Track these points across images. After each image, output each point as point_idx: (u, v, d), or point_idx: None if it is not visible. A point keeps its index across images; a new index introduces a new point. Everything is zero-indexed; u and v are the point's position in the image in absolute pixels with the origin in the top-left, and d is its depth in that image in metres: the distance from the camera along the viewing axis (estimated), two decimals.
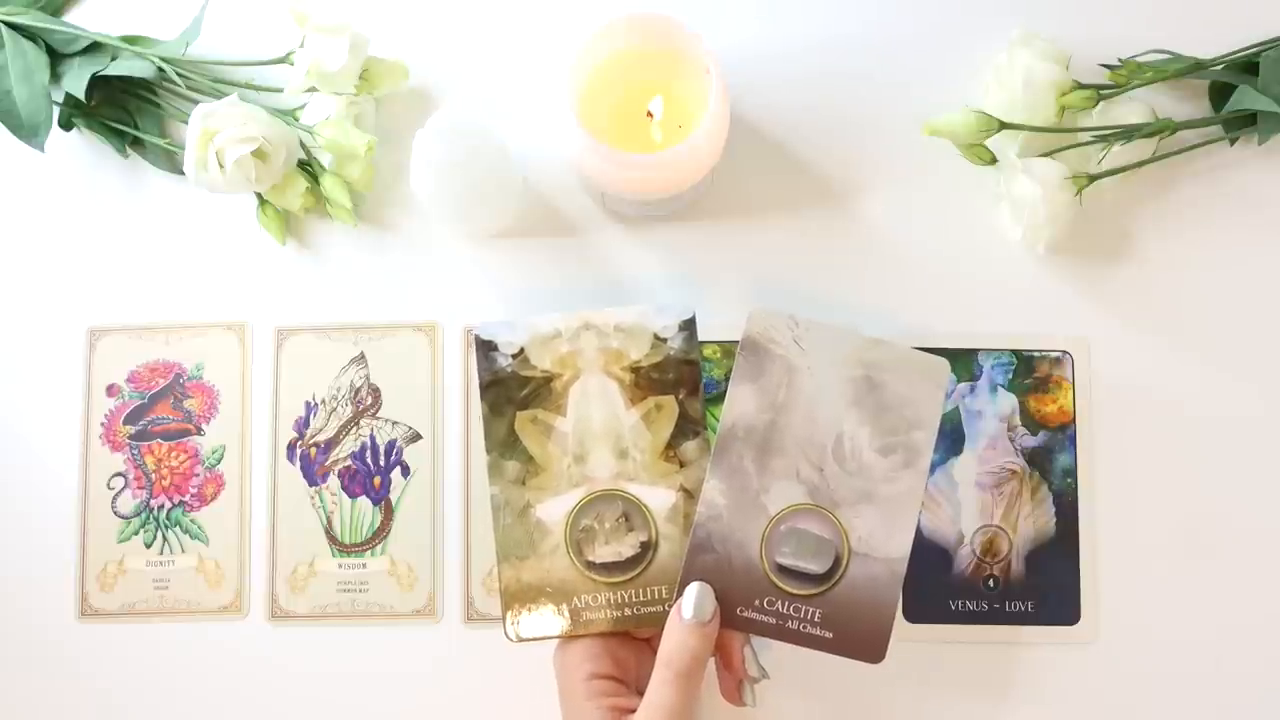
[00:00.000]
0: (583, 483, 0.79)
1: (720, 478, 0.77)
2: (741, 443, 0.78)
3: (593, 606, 0.78)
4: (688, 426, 0.80)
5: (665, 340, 0.80)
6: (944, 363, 0.78)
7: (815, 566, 0.76)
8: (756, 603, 0.77)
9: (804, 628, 0.76)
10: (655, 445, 0.79)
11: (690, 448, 0.79)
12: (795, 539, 0.77)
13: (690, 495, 0.79)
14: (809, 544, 0.77)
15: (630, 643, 0.80)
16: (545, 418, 0.80)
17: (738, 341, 0.79)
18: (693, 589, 0.75)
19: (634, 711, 0.73)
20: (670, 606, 0.76)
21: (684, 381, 0.80)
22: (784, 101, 0.91)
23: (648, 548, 0.78)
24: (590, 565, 0.78)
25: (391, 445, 0.90)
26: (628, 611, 0.78)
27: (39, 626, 0.89)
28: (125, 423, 0.91)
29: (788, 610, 0.76)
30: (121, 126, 0.91)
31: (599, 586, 0.78)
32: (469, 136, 0.82)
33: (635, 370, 0.80)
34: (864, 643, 0.76)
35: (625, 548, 0.78)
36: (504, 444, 0.80)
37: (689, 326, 0.80)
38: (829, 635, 0.76)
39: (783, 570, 0.77)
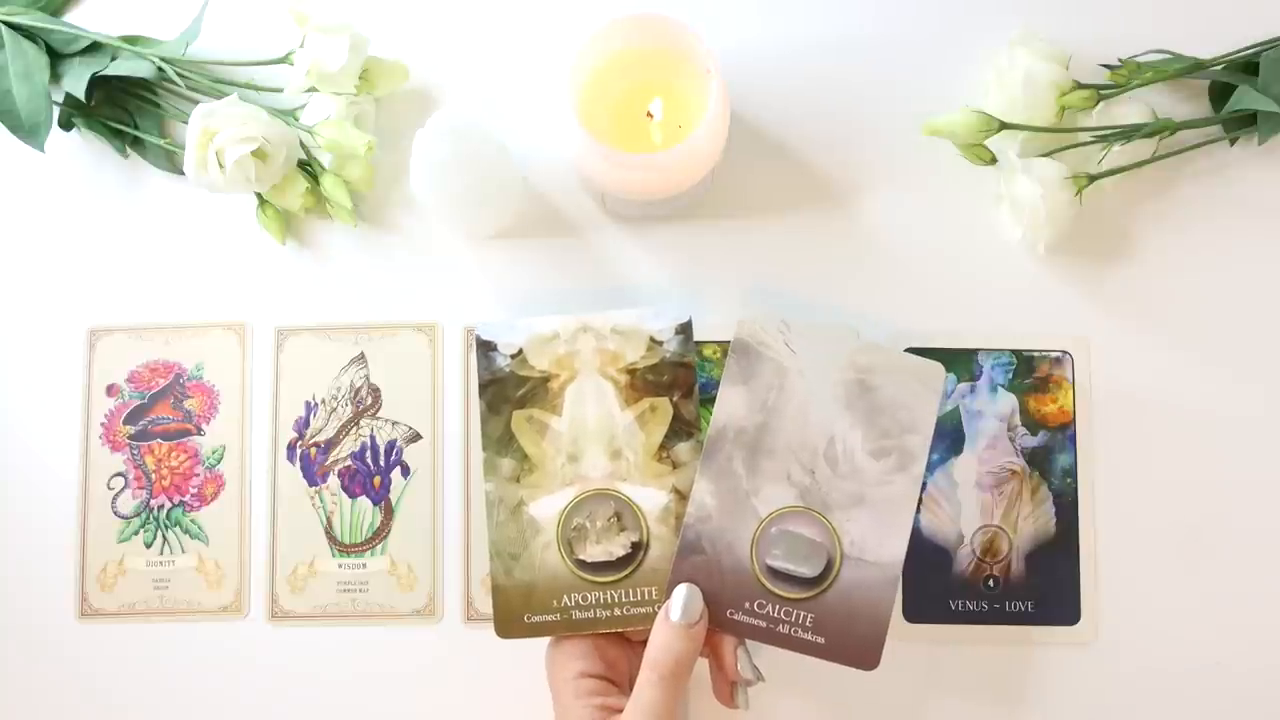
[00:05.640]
0: (576, 481, 0.79)
1: (710, 479, 0.77)
2: (731, 444, 0.78)
3: (582, 606, 0.78)
4: (681, 428, 0.80)
5: (661, 343, 0.80)
6: (939, 367, 0.78)
7: (806, 570, 0.76)
8: (746, 605, 0.76)
9: (795, 632, 0.76)
10: (649, 446, 0.79)
11: (683, 449, 0.79)
12: (786, 541, 0.77)
13: (682, 496, 0.79)
14: (800, 547, 0.77)
15: (621, 642, 0.80)
16: (541, 417, 0.80)
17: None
18: (680, 591, 0.75)
19: (622, 711, 0.73)
20: (659, 608, 0.76)
21: (679, 384, 0.80)
22: (784, 101, 0.91)
23: (639, 548, 0.78)
24: (581, 564, 0.79)
25: (391, 445, 0.90)
26: (617, 612, 0.78)
27: (39, 626, 0.90)
28: (125, 423, 0.91)
29: (778, 614, 0.76)
30: (121, 126, 0.91)
31: (589, 586, 0.78)
32: (469, 136, 0.82)
33: (631, 372, 0.80)
34: (857, 649, 0.76)
35: (616, 547, 0.78)
36: (500, 442, 0.80)
37: (685, 330, 0.80)
38: (821, 640, 0.76)
39: (773, 573, 0.76)
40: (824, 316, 0.89)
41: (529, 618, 0.79)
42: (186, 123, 0.85)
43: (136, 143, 0.92)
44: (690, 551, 0.77)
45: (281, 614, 0.89)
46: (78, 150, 0.93)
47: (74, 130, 0.92)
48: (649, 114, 0.84)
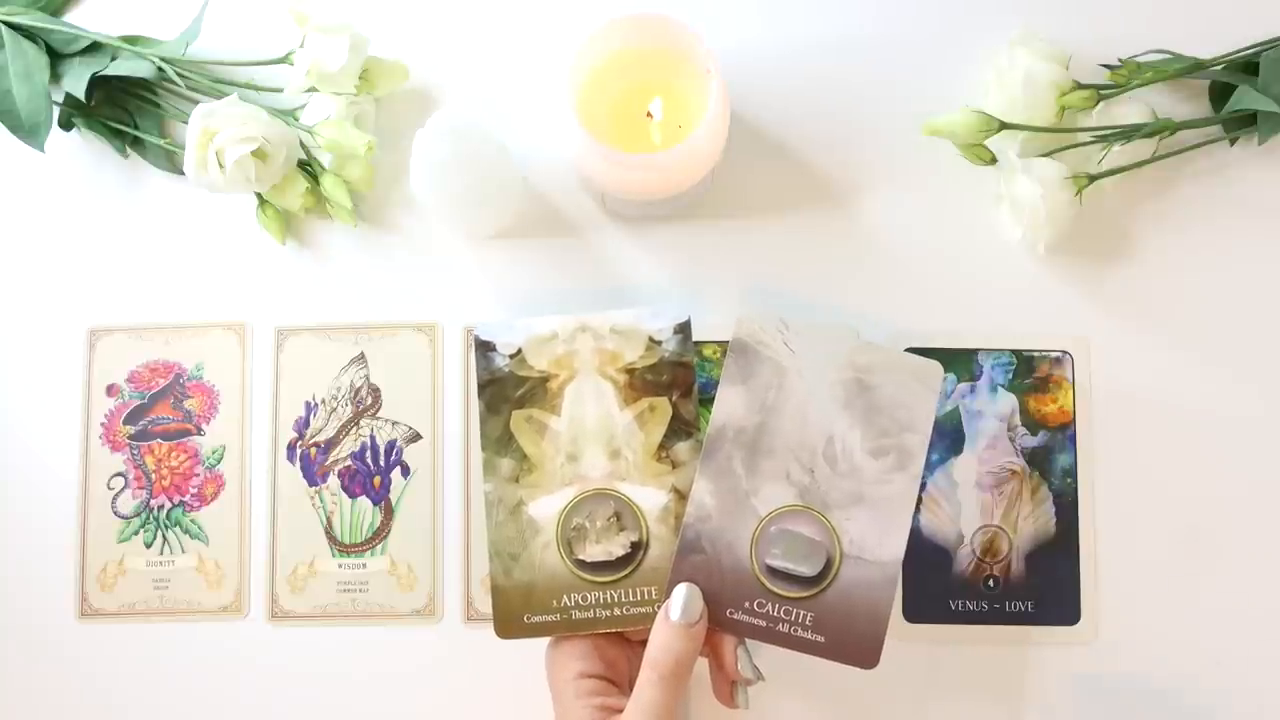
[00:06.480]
0: (575, 481, 0.79)
1: (709, 478, 0.77)
2: (731, 444, 0.78)
3: (582, 606, 0.78)
4: (680, 428, 0.80)
5: (660, 343, 0.80)
6: (937, 366, 0.78)
7: (806, 569, 0.76)
8: (746, 605, 0.76)
9: (795, 631, 0.76)
10: (648, 446, 0.79)
11: (683, 449, 0.79)
12: (786, 541, 0.77)
13: (682, 496, 0.79)
14: (799, 546, 0.77)
15: (620, 642, 0.80)
16: (540, 417, 0.80)
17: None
18: (680, 590, 0.75)
19: (622, 711, 0.73)
20: (659, 607, 0.76)
21: (678, 383, 0.80)
22: (784, 101, 0.91)
23: (638, 548, 0.78)
24: (581, 564, 0.78)
25: (391, 445, 0.90)
26: (617, 612, 0.78)
27: (39, 626, 0.90)
28: (125, 423, 0.91)
29: (778, 613, 0.76)
30: (121, 126, 0.91)
31: (589, 586, 0.78)
32: (469, 136, 0.82)
33: (630, 372, 0.80)
34: (857, 647, 0.76)
35: (616, 547, 0.78)
36: (499, 442, 0.80)
37: (684, 329, 0.80)
38: (821, 639, 0.76)
39: (773, 572, 0.76)
40: (824, 316, 0.89)
41: (529, 618, 0.79)
42: (186, 123, 0.85)
43: (136, 143, 0.92)
44: (690, 551, 0.77)
45: (281, 614, 0.89)
46: (78, 150, 0.93)
47: (74, 130, 0.92)
48: (649, 114, 0.84)
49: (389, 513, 0.89)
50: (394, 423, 0.90)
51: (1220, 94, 0.89)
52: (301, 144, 0.89)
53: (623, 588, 0.78)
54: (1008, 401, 0.89)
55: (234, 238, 0.92)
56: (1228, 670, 0.87)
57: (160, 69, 0.89)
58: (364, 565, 0.89)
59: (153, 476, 0.90)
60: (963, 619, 0.88)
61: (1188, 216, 0.90)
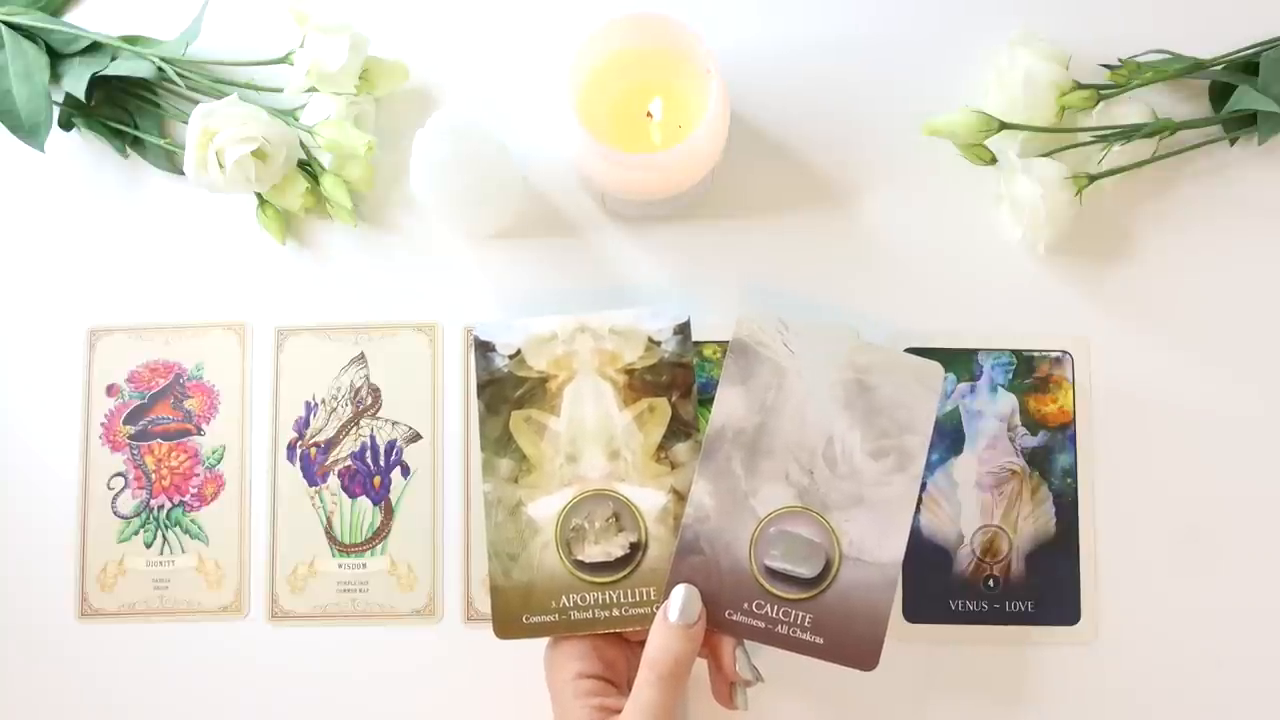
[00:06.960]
0: (574, 482, 0.79)
1: (708, 479, 0.77)
2: (730, 445, 0.78)
3: (581, 606, 0.78)
4: (680, 428, 0.80)
5: (659, 343, 0.80)
6: (937, 366, 0.78)
7: (805, 570, 0.76)
8: (745, 606, 0.76)
9: (794, 632, 0.76)
10: (647, 446, 0.79)
11: (682, 449, 0.79)
12: (785, 542, 0.77)
13: (681, 497, 0.79)
14: (799, 547, 0.76)
15: (619, 642, 0.80)
16: (539, 417, 0.80)
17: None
18: (678, 591, 0.75)
19: (620, 711, 0.73)
20: (658, 608, 0.76)
21: (677, 384, 0.80)
22: (784, 101, 0.91)
23: (637, 549, 0.78)
24: (579, 565, 0.79)
25: (391, 445, 0.90)
26: (616, 612, 0.78)
27: (39, 626, 0.90)
28: (125, 423, 0.91)
29: (777, 614, 0.76)
30: (121, 126, 0.91)
31: (588, 586, 0.78)
32: (469, 136, 0.82)
33: (629, 372, 0.80)
34: (856, 649, 0.76)
35: (615, 548, 0.78)
36: (498, 442, 0.80)
37: (683, 330, 0.80)
38: (819, 641, 0.76)
39: (772, 573, 0.76)
40: (823, 316, 0.89)
41: (527, 618, 0.79)
42: (186, 123, 0.85)
43: (136, 143, 0.92)
44: (688, 552, 0.77)
45: (281, 614, 0.89)
46: (78, 150, 0.93)
47: (74, 130, 0.92)
48: (649, 114, 0.84)
49: (389, 513, 0.89)
50: (394, 423, 0.90)
51: (1220, 94, 0.89)
52: (301, 144, 0.89)
53: (621, 588, 0.78)
54: (1008, 401, 0.89)
55: (234, 238, 0.92)
56: (1228, 670, 0.87)
57: (160, 69, 0.89)
58: (364, 565, 0.89)
59: (153, 476, 0.90)
60: (963, 619, 0.88)
61: (1188, 216, 0.90)
